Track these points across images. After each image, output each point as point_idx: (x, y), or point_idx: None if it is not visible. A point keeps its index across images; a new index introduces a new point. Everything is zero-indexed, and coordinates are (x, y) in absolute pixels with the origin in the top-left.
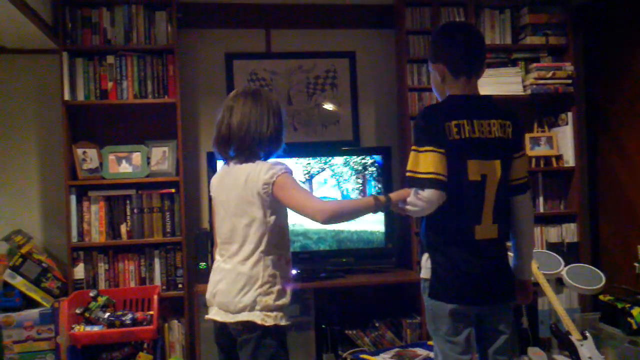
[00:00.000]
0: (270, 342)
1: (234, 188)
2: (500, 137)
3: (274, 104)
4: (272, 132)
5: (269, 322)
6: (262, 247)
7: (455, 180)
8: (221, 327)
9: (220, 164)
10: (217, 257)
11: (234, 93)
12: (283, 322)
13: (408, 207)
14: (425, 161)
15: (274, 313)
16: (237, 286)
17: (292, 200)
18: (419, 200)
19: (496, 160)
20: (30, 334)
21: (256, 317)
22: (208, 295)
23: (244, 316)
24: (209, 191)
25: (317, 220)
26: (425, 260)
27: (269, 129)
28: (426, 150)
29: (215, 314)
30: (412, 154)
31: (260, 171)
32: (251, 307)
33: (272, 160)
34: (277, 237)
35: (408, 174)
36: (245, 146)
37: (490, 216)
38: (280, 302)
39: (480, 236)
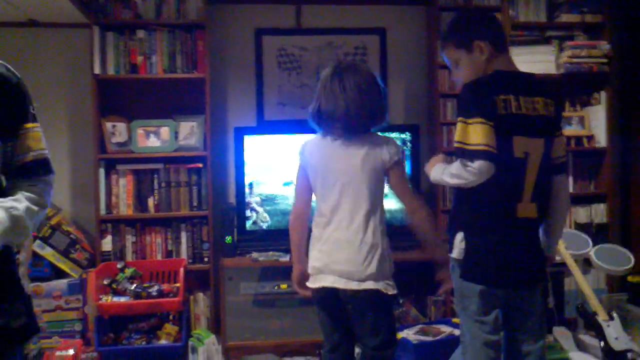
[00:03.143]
0: (388, 311)
1: (351, 158)
2: (544, 115)
3: (369, 75)
4: (373, 106)
5: (391, 291)
6: (378, 216)
7: (500, 156)
8: (332, 293)
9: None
10: (320, 225)
11: (328, 72)
12: (396, 292)
13: (454, 180)
14: (475, 132)
15: (392, 282)
16: (361, 255)
17: (403, 186)
18: (468, 172)
19: (540, 138)
20: (59, 303)
21: (380, 286)
22: (319, 264)
23: (370, 285)
24: (239, 170)
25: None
26: (460, 241)
27: (370, 102)
28: (475, 122)
29: (334, 282)
30: (459, 125)
31: (384, 146)
32: (376, 276)
33: (394, 139)
34: (384, 208)
35: (457, 144)
36: (352, 123)
37: (529, 195)
38: (393, 271)
39: (522, 214)
